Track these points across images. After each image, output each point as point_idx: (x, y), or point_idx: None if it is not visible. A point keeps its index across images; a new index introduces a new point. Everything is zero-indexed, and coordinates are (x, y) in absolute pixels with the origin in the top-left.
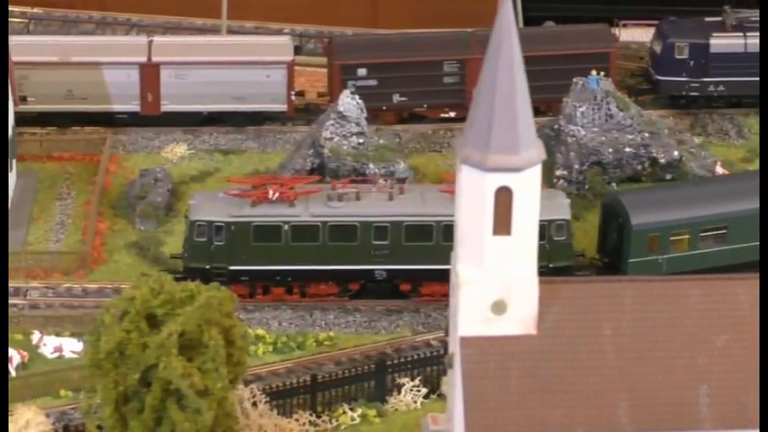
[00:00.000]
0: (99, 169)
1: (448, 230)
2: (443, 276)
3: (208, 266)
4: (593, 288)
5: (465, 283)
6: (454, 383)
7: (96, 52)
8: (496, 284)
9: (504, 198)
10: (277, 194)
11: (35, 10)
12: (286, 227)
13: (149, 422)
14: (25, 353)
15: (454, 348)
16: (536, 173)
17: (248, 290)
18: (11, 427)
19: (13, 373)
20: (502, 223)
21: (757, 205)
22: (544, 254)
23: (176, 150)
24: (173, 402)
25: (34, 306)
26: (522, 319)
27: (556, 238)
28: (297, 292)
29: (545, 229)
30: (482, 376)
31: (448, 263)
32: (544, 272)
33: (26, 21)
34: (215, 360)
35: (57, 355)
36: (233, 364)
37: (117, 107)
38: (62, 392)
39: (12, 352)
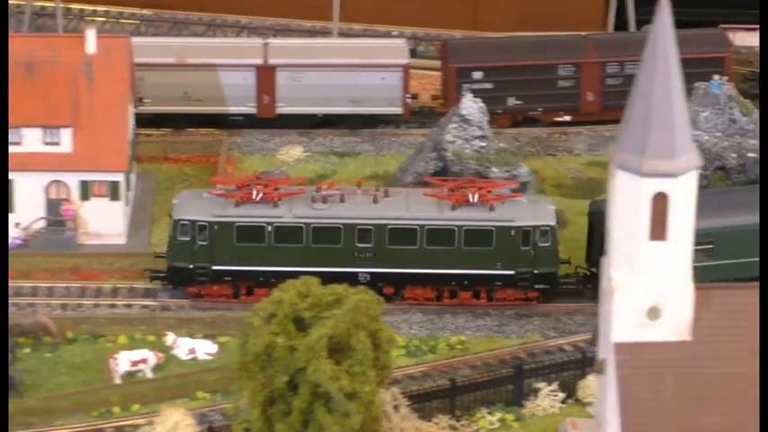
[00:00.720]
0: (217, 171)
1: (432, 234)
2: (427, 280)
3: (191, 266)
4: (745, 294)
5: (619, 288)
6: (605, 389)
7: (212, 54)
8: (651, 290)
9: (660, 203)
10: (261, 195)
11: (144, 11)
12: (269, 227)
13: (297, 425)
14: (161, 354)
15: (606, 354)
16: (692, 178)
17: (232, 290)
18: (158, 428)
19: (149, 374)
20: (658, 228)
21: (745, 221)
22: (529, 260)
23: (292, 153)
24: (320, 405)
25: (165, 308)
26: (676, 324)
27: (540, 244)
28: None
29: (529, 234)
30: (638, 382)
31: (431, 267)
32: (528, 277)
33: (137, 22)
34: (363, 363)
35: (190, 356)
36: (379, 368)
37: (233, 109)
38: (199, 394)
39: (148, 353)
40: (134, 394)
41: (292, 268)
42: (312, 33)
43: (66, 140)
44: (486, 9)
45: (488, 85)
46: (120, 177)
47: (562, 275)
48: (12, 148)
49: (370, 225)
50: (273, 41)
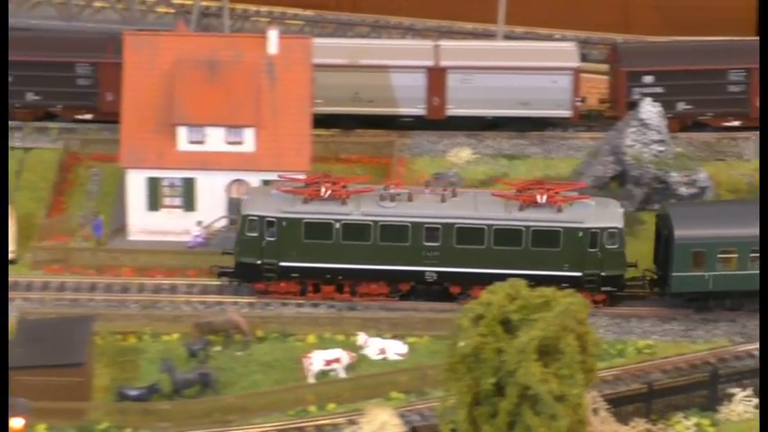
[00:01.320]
0: (390, 172)
1: (499, 234)
2: (494, 280)
3: (259, 262)
4: None
5: None
6: None
7: (383, 55)
8: None
9: None
10: (329, 192)
11: (307, 12)
12: (337, 225)
13: (503, 426)
14: (354, 354)
15: None
16: None
17: (299, 287)
18: (365, 427)
19: (342, 374)
20: None
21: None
22: (596, 262)
23: (461, 155)
24: (528, 408)
25: (351, 307)
26: None
27: (608, 247)
28: (347, 291)
29: (597, 236)
30: None
31: (498, 267)
32: (595, 279)
33: (301, 23)
34: (571, 366)
35: (381, 356)
36: (586, 371)
37: (403, 110)
38: (393, 394)
39: (341, 353)
40: (329, 393)
41: (359, 266)
42: (475, 35)
43: (248, 140)
44: (637, 12)
45: (659, 90)
46: (301, 177)
47: (629, 278)
48: (195, 147)
49: (437, 224)
50: (444, 43)
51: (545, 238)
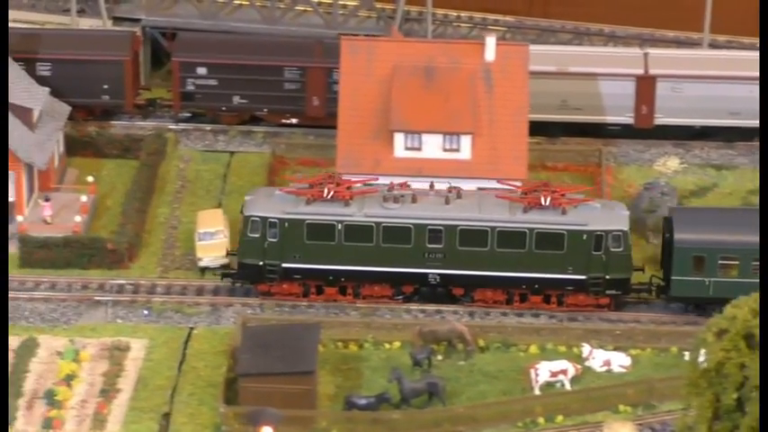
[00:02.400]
0: (597, 180)
1: (503, 237)
2: (497, 283)
3: (261, 263)
4: None
5: None
6: None
7: (592, 63)
8: None
9: None
10: (332, 193)
11: (507, 18)
12: (339, 226)
13: None
14: (579, 366)
15: None
16: None
17: (301, 289)
18: None
19: (567, 385)
20: None
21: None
22: (600, 265)
23: (669, 164)
24: None
25: (572, 318)
26: None
27: (612, 249)
28: (350, 293)
29: (601, 239)
30: None
31: (502, 270)
32: (600, 282)
33: (502, 29)
34: None
35: (605, 368)
36: None
37: (610, 119)
38: (620, 407)
39: (567, 364)
40: (557, 405)
41: (362, 267)
42: (678, 44)
43: (465, 147)
44: None
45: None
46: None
47: (636, 283)
48: (411, 154)
49: (440, 226)
50: (654, 52)
51: (549, 240)
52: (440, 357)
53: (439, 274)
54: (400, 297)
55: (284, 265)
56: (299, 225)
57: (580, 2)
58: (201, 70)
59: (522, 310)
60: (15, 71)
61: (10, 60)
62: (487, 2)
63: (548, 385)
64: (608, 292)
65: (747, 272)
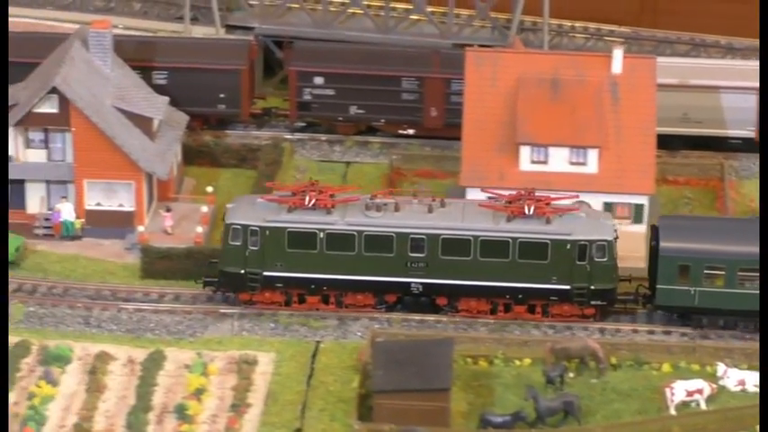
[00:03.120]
0: (721, 195)
1: (486, 246)
2: (481, 293)
3: (242, 271)
4: None
5: None
6: None
7: (714, 75)
8: None
9: None
10: (314, 201)
11: (623, 29)
12: (321, 234)
13: None
14: (714, 385)
15: None
16: None
17: (284, 297)
18: None
19: (703, 405)
20: None
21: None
22: (585, 275)
23: None
24: None
25: (704, 336)
26: None
27: (597, 259)
28: (333, 302)
29: (585, 249)
30: None
31: (485, 279)
32: (585, 293)
33: (619, 40)
34: None
35: (740, 388)
36: None
37: (731, 132)
38: (756, 428)
39: (703, 384)
40: (694, 425)
41: (344, 276)
42: None
43: (592, 161)
44: None
45: None
46: (644, 200)
47: (623, 293)
48: (537, 167)
49: (423, 234)
50: None
51: (532, 250)
52: (572, 375)
53: (422, 284)
54: (383, 306)
55: (266, 273)
56: (281, 233)
57: (689, 12)
58: (318, 80)
59: (506, 320)
60: (133, 80)
61: (130, 68)
62: (599, 12)
63: (683, 405)
64: (593, 302)
65: (733, 282)
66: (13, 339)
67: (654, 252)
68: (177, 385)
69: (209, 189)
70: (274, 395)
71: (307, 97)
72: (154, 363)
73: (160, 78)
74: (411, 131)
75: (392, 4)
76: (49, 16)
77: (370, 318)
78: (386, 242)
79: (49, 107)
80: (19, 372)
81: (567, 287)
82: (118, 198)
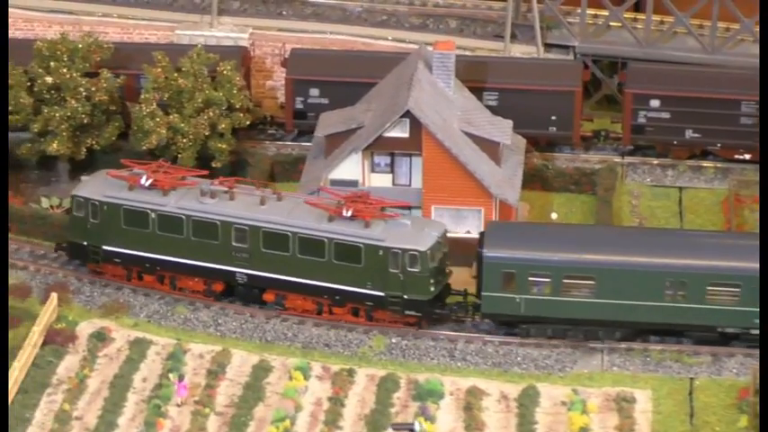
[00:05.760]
0: None
1: (303, 243)
2: (303, 290)
3: (85, 243)
4: None
5: None
6: None
7: None
8: None
9: None
10: (150, 180)
11: None
12: (153, 215)
13: None
14: None
15: None
16: None
17: (125, 272)
18: None
19: None
20: None
21: (628, 260)
22: (398, 284)
23: None
24: None
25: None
26: None
27: (409, 269)
28: (167, 284)
29: (397, 257)
30: None
31: (305, 277)
32: (398, 302)
33: None
34: None
35: None
36: None
37: None
38: None
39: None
40: None
41: (175, 258)
42: None
43: None
44: None
45: None
46: None
47: (455, 302)
48: None
49: (245, 225)
50: None
51: (347, 252)
52: None
53: (246, 274)
54: (212, 295)
55: (104, 247)
56: (117, 210)
57: None
58: (655, 102)
59: (331, 320)
60: (475, 102)
61: (468, 91)
62: None
63: None
64: (407, 312)
65: (559, 290)
66: (378, 372)
67: (479, 260)
68: (557, 423)
69: (554, 216)
70: None
71: (641, 120)
72: (529, 399)
73: (491, 99)
74: (747, 156)
75: (719, 24)
76: (362, 33)
77: (745, 354)
78: (212, 229)
79: (400, 131)
80: (393, 407)
81: (382, 294)
82: (465, 225)
